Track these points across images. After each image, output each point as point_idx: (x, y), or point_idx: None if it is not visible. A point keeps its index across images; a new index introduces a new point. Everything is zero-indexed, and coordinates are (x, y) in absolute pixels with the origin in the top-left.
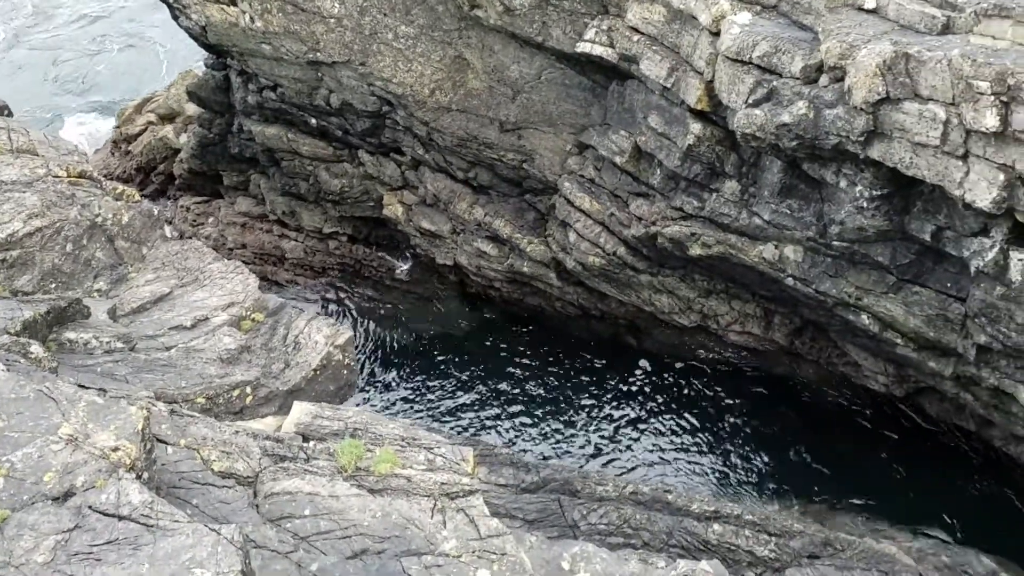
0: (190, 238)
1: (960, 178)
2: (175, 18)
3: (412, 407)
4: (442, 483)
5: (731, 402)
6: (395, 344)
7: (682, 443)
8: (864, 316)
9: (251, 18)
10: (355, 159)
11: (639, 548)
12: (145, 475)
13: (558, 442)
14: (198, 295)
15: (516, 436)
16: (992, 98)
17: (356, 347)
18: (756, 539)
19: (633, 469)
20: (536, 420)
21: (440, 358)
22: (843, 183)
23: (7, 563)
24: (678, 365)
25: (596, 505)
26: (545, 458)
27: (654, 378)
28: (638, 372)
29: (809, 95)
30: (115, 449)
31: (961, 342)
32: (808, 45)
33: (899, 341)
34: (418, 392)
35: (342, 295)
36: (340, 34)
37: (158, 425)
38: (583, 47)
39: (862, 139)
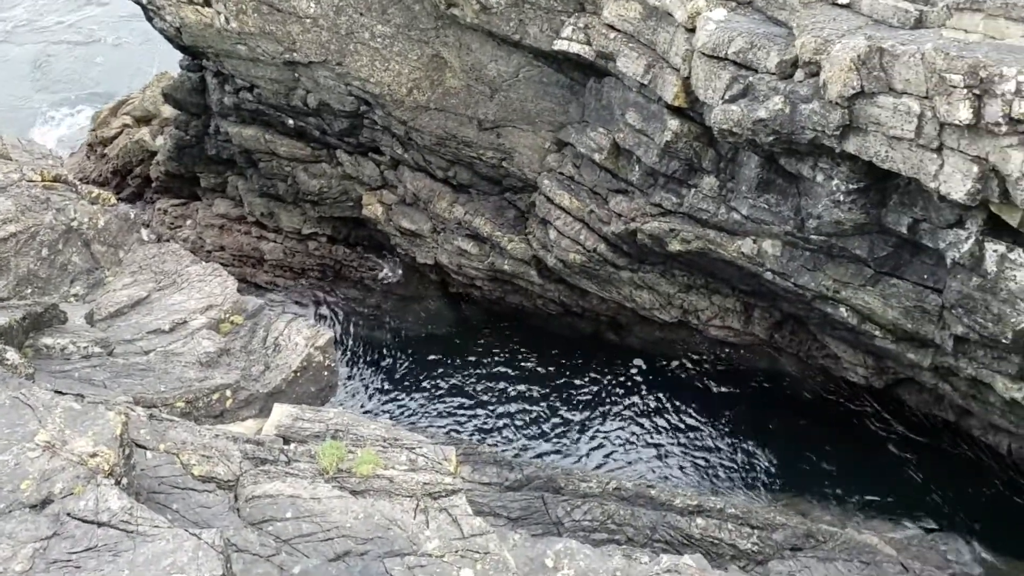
0: (168, 241)
1: (935, 171)
2: (150, 20)
3: (394, 408)
4: (424, 483)
5: (713, 397)
6: (377, 344)
7: (665, 438)
8: (842, 309)
9: (226, 19)
10: (333, 159)
11: (623, 544)
12: (124, 481)
13: (542, 440)
14: (176, 298)
15: (499, 434)
16: (965, 91)
17: (337, 348)
18: (739, 532)
19: (617, 465)
20: (519, 418)
21: (422, 358)
22: (820, 177)
23: None
24: (660, 361)
25: (580, 501)
26: (529, 456)
27: (636, 374)
28: (620, 368)
29: (785, 90)
30: (93, 455)
31: (939, 333)
32: (783, 40)
33: (877, 333)
34: (400, 392)
35: (322, 296)
36: (316, 34)
37: (137, 430)
38: (560, 45)
39: (838, 133)
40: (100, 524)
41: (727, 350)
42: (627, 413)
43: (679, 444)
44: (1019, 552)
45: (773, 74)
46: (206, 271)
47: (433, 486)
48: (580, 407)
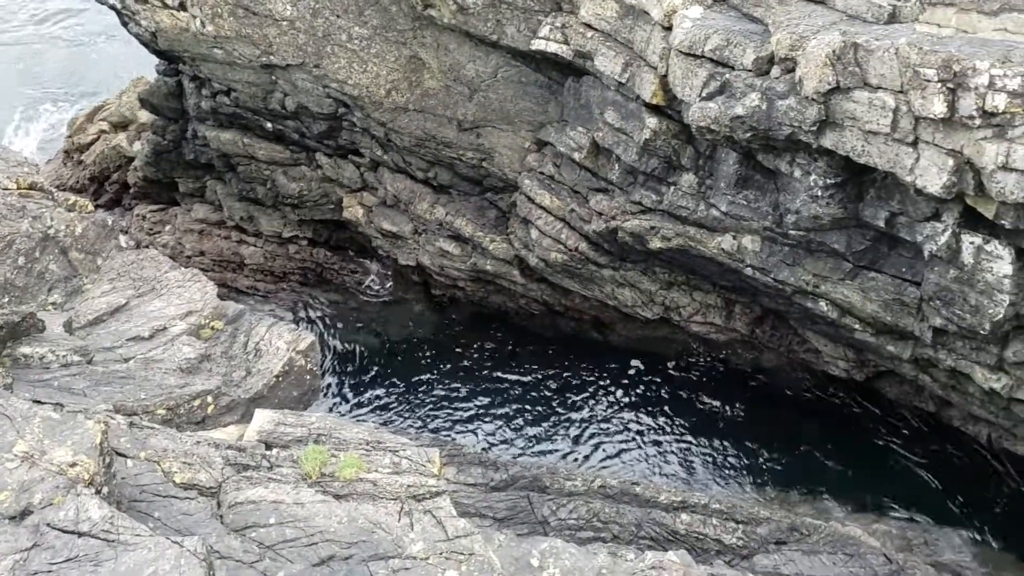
0: (147, 247)
1: (911, 164)
2: (124, 24)
3: (378, 411)
4: (408, 485)
5: (696, 393)
6: (359, 347)
7: (649, 435)
8: (822, 303)
9: (202, 23)
10: (313, 162)
11: (609, 541)
12: (104, 490)
13: (526, 439)
14: (155, 305)
15: (484, 435)
16: (939, 85)
17: (319, 352)
18: (724, 527)
19: (601, 463)
20: (504, 418)
21: (405, 360)
22: (797, 173)
23: None
24: (643, 359)
25: (565, 500)
26: (514, 456)
27: (619, 372)
28: (604, 367)
29: (761, 87)
30: (72, 465)
31: (918, 325)
32: (759, 37)
33: (857, 326)
34: (384, 395)
35: (304, 300)
36: (293, 37)
37: (117, 438)
38: (538, 44)
39: (814, 129)
40: (81, 534)
41: (709, 347)
42: (611, 411)
43: (663, 441)
44: (1003, 540)
45: (750, 71)
46: (185, 277)
47: (417, 488)
48: (564, 406)
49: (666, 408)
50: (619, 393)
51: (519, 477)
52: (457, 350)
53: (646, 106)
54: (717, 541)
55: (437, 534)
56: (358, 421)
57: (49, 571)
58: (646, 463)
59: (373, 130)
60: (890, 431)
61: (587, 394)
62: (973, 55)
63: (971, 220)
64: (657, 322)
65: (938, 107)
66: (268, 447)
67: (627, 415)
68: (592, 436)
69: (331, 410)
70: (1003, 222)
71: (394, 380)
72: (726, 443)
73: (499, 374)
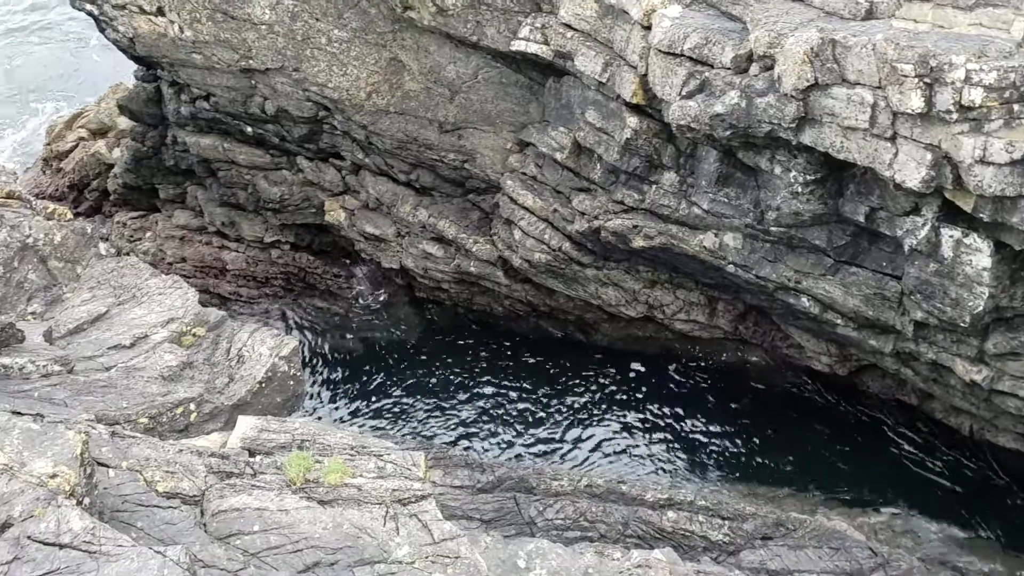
0: (127, 254)
1: (890, 159)
2: (102, 31)
3: (362, 415)
4: (393, 490)
5: (680, 390)
6: (343, 352)
7: (635, 434)
8: (804, 299)
9: (180, 28)
10: (294, 166)
11: (596, 540)
12: (86, 501)
13: (513, 441)
14: (136, 312)
15: (470, 438)
16: (916, 80)
17: (302, 357)
18: (710, 524)
19: (588, 462)
20: (490, 420)
21: (390, 364)
22: (778, 170)
23: None
24: (627, 358)
25: (552, 500)
26: (500, 457)
27: (604, 372)
28: (589, 367)
29: (741, 85)
30: (53, 476)
31: (899, 319)
32: (737, 35)
33: (839, 321)
34: (368, 400)
35: (287, 304)
36: (272, 40)
37: (98, 448)
38: (518, 45)
39: (794, 126)
40: (62, 546)
41: (693, 345)
42: (597, 411)
43: (649, 439)
44: (988, 530)
45: (729, 69)
46: (166, 284)
47: (402, 492)
48: (550, 407)
49: (651, 407)
50: (604, 393)
51: (506, 478)
52: (442, 353)
53: (627, 105)
54: (703, 538)
55: (423, 538)
56: (340, 425)
57: None
58: (632, 462)
59: (354, 133)
60: (872, 425)
61: (572, 395)
62: (949, 50)
63: (950, 214)
64: (641, 321)
65: (915, 102)
66: (252, 454)
67: (613, 414)
68: (579, 436)
69: (313, 412)
70: (981, 215)
71: (379, 384)
72: (711, 439)
73: (484, 376)
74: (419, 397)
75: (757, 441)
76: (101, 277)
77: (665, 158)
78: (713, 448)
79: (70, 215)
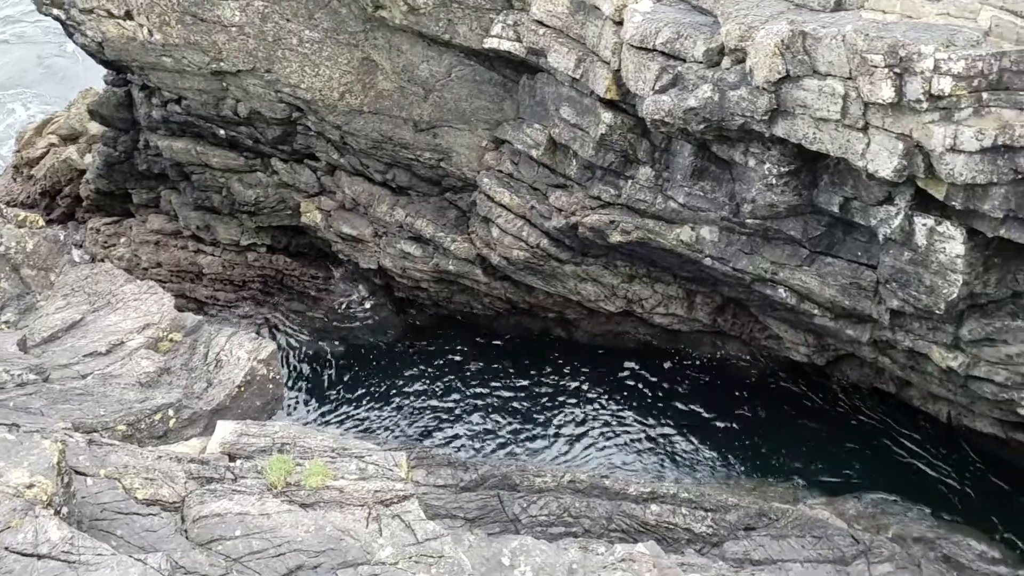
0: (102, 261)
1: (862, 149)
2: (70, 35)
3: (343, 417)
4: (376, 491)
5: (661, 384)
6: (323, 354)
7: (617, 429)
8: (781, 290)
9: (149, 31)
10: (268, 168)
11: (580, 535)
12: (64, 510)
13: (495, 439)
14: (111, 319)
15: (453, 436)
16: (886, 70)
17: (281, 360)
18: (693, 516)
19: (571, 458)
20: (472, 419)
21: (370, 364)
22: (752, 162)
23: None
24: (608, 354)
25: (536, 497)
26: (484, 455)
27: (585, 368)
28: (570, 363)
29: (713, 78)
30: (30, 486)
31: (875, 308)
32: (709, 29)
33: (816, 312)
34: (349, 401)
35: (264, 307)
36: (243, 42)
37: (75, 457)
38: (490, 43)
39: (766, 118)
40: (40, 556)
41: (673, 338)
42: (579, 407)
43: (631, 433)
44: (969, 515)
45: (701, 63)
46: (141, 289)
47: (385, 493)
48: (532, 404)
49: (633, 401)
50: (585, 388)
51: (489, 476)
52: (422, 352)
53: (601, 101)
54: (687, 530)
55: (406, 538)
56: (321, 427)
57: None
58: (615, 456)
59: (328, 134)
60: (852, 414)
61: (554, 391)
62: (918, 40)
63: (923, 202)
64: (620, 316)
65: (886, 92)
66: (232, 459)
67: (594, 410)
68: (561, 432)
69: (295, 417)
70: (954, 203)
71: (359, 385)
72: (692, 432)
73: (465, 375)
74: (400, 397)
75: (738, 432)
76: (75, 284)
77: (640, 153)
78: (695, 440)
79: (42, 222)
